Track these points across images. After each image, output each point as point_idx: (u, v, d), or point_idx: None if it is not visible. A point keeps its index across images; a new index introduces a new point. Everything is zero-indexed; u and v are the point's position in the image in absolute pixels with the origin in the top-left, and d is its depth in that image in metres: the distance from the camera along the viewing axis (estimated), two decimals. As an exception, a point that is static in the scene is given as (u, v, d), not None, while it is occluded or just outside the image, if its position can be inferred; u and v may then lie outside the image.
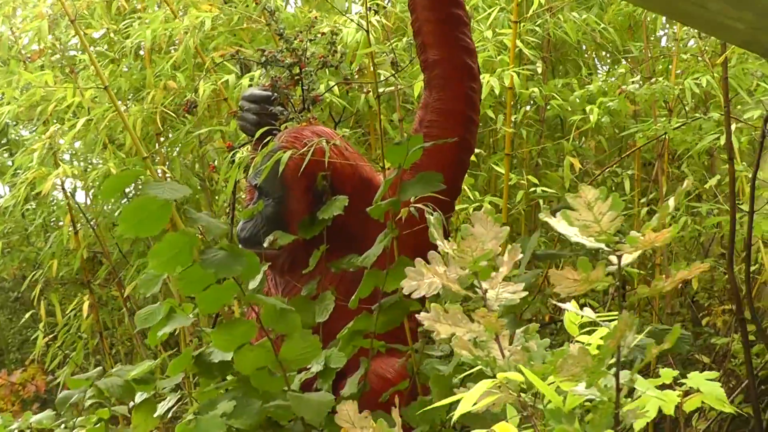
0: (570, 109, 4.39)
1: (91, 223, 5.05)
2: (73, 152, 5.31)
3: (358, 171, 3.24)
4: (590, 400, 1.39)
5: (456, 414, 1.34)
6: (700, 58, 3.81)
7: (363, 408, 2.86)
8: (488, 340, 1.46)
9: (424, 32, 3.16)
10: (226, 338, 2.57)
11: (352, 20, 3.78)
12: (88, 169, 5.19)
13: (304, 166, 3.08)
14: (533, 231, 4.69)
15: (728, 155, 3.34)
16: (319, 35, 3.31)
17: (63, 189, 4.92)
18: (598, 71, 4.90)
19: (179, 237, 2.44)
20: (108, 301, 5.58)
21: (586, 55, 4.90)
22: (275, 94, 3.30)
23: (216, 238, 2.67)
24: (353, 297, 2.79)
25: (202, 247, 2.49)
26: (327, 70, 3.64)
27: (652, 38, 4.93)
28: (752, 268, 3.72)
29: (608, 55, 4.93)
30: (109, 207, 5.49)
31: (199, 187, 4.92)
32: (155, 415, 2.94)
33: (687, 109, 3.90)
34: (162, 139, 4.90)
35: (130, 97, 4.95)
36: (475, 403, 1.50)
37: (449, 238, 3.39)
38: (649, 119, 4.18)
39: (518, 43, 3.88)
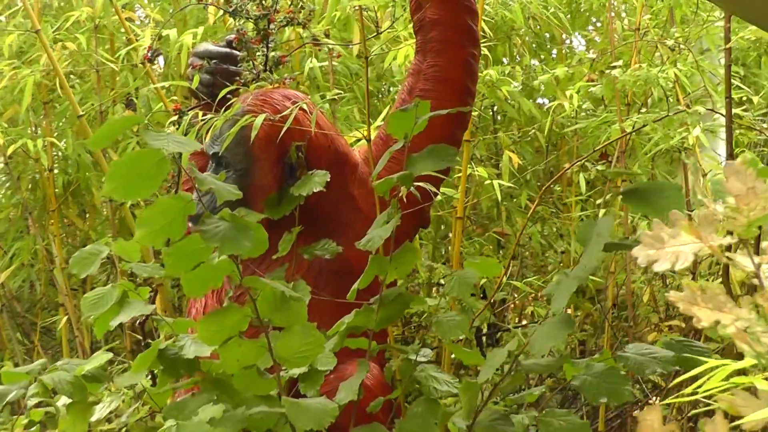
0: (509, 100, 4.05)
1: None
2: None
3: (334, 143, 2.80)
4: None
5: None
6: (683, 46, 3.52)
7: (347, 419, 2.45)
8: (764, 332, 1.08)
9: (424, -13, 2.76)
10: (215, 329, 2.11)
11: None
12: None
13: (280, 136, 2.64)
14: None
15: (727, 151, 3.06)
16: (291, -16, 2.86)
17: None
18: (533, 61, 4.57)
19: (173, 202, 1.98)
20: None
21: (517, 44, 4.57)
22: (241, 50, 2.84)
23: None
24: (352, 288, 2.35)
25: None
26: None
27: (592, 28, 4.68)
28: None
29: (536, 45, 4.62)
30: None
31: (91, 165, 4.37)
32: (93, 419, 2.45)
33: (671, 101, 3.62)
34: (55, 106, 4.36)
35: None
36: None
37: (426, 226, 3.02)
38: (600, 114, 3.89)
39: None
